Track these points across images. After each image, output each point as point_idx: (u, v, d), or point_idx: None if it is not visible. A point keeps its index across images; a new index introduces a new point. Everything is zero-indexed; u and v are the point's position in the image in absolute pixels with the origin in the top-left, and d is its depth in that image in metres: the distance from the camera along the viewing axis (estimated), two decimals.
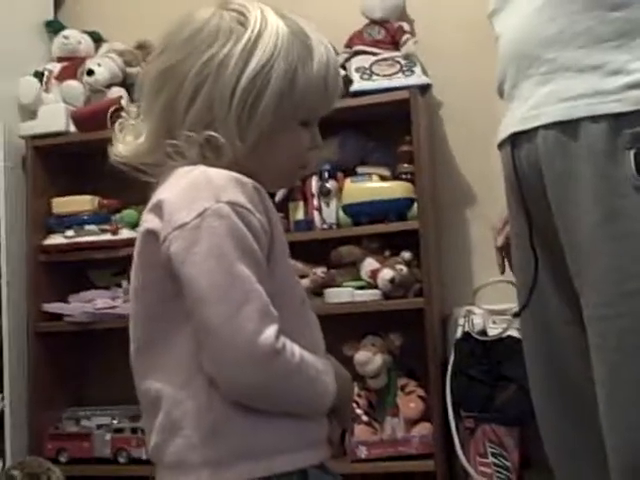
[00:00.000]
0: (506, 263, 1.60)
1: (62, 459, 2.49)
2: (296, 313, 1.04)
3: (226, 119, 1.00)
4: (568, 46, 1.25)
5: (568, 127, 1.23)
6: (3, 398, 2.53)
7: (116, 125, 1.09)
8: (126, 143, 1.07)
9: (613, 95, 1.19)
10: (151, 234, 0.98)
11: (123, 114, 1.09)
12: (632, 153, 1.17)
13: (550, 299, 1.39)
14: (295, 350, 0.95)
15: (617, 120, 1.18)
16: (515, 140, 1.35)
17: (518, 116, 1.34)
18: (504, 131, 1.40)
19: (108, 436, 2.48)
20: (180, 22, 1.07)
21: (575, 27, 1.24)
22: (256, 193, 0.98)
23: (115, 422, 2.50)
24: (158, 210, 0.98)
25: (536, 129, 1.29)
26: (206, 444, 0.95)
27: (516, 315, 1.49)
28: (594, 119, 1.20)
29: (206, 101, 1.01)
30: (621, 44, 1.21)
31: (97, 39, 2.85)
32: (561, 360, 1.40)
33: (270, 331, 0.92)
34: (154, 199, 1.00)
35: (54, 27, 2.88)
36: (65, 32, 2.83)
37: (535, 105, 1.30)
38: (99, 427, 2.51)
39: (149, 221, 0.99)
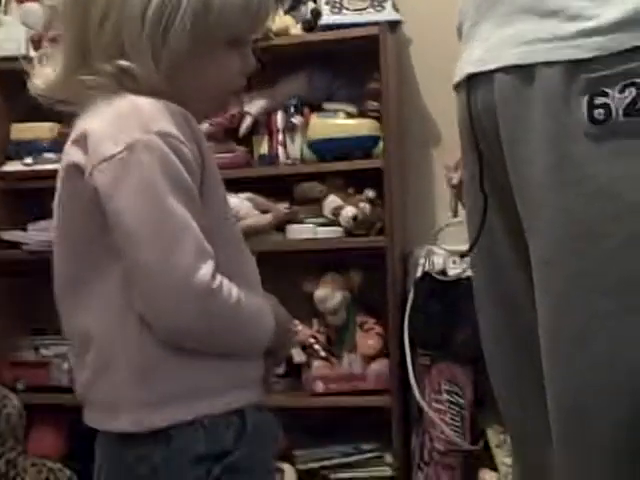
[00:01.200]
0: (459, 206, 1.61)
1: (19, 387, 2.49)
2: (235, 247, 1.02)
3: (138, 44, 0.94)
4: None
5: (524, 71, 1.21)
6: None
7: (35, 56, 1.03)
8: (43, 75, 1.01)
9: (570, 41, 1.17)
10: (75, 167, 0.93)
11: (45, 43, 1.05)
12: (585, 99, 1.16)
13: (500, 242, 1.40)
14: (232, 289, 0.93)
15: (573, 66, 1.16)
16: (471, 82, 1.34)
17: (475, 57, 1.32)
18: (460, 72, 1.38)
19: (66, 365, 2.47)
20: None
21: None
22: (186, 122, 0.94)
23: None
24: (82, 141, 0.93)
25: (492, 72, 1.27)
26: (137, 385, 0.93)
27: (463, 256, 1.51)
28: (550, 64, 1.18)
29: (115, 25, 0.95)
30: None
31: None
32: (511, 304, 1.41)
33: (206, 269, 0.90)
34: (77, 130, 0.95)
35: None
36: None
37: (492, 47, 1.28)
38: (57, 356, 2.51)
39: (72, 154, 0.94)
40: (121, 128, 0.91)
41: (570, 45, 1.18)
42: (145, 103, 0.93)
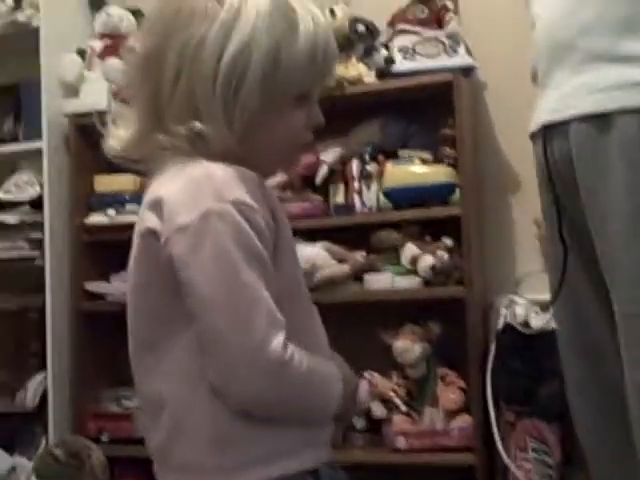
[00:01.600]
0: None
1: (103, 439, 2.52)
2: (303, 311, 1.03)
3: (210, 105, 0.96)
4: (603, 34, 1.21)
5: (600, 119, 1.21)
6: (46, 377, 2.57)
7: (109, 118, 1.05)
8: (117, 136, 1.04)
9: None
10: (151, 233, 0.94)
11: (119, 103, 1.07)
12: None
13: (582, 292, 1.38)
14: (303, 359, 0.94)
15: None
16: (547, 131, 1.32)
17: (550, 106, 1.31)
18: (535, 122, 1.37)
19: None
20: (160, 4, 1.02)
21: (611, 14, 1.20)
22: (259, 188, 0.95)
23: None
24: (157, 208, 0.94)
25: (568, 121, 1.25)
26: (210, 451, 0.95)
27: (546, 307, 1.48)
28: (626, 112, 1.17)
29: (187, 87, 0.96)
30: None
31: (140, 16, 2.82)
32: (595, 354, 1.38)
33: (278, 340, 0.90)
34: (153, 195, 0.96)
35: (97, 4, 2.86)
36: (108, 9, 2.81)
37: (567, 95, 1.27)
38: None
39: (148, 219, 0.95)
40: (195, 197, 0.92)
41: None
42: (218, 170, 0.94)
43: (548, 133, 1.33)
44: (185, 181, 0.94)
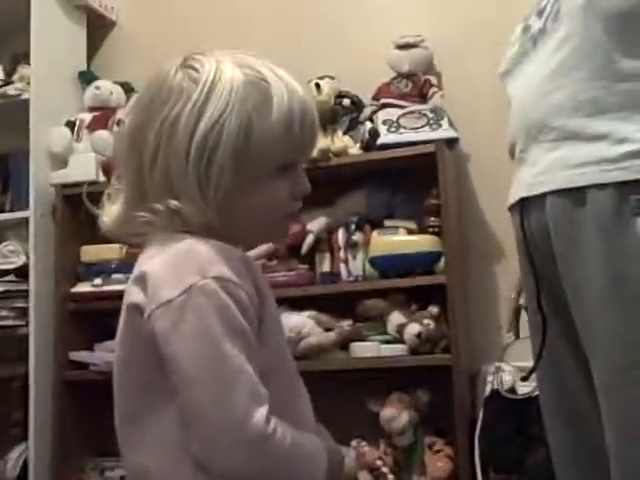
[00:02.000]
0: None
1: None
2: (288, 386, 1.02)
3: (184, 182, 0.96)
4: (574, 115, 1.27)
5: (575, 194, 1.25)
6: (28, 447, 2.53)
7: (105, 194, 1.05)
8: (109, 212, 1.04)
9: (618, 163, 1.21)
10: (135, 308, 0.94)
11: (113, 182, 1.07)
12: (638, 220, 1.18)
13: (563, 358, 1.39)
14: (286, 432, 0.92)
15: (623, 187, 1.19)
16: (524, 205, 1.37)
17: (526, 181, 1.37)
18: (513, 195, 1.42)
19: None
20: (147, 82, 1.04)
21: (581, 96, 1.27)
22: (243, 263, 0.95)
23: None
24: (142, 283, 0.94)
25: (544, 195, 1.31)
26: None
27: (524, 379, 1.49)
28: (600, 186, 1.21)
29: (164, 164, 0.97)
30: (626, 115, 1.22)
31: (128, 90, 2.89)
32: (580, 423, 1.39)
33: (259, 414, 0.89)
34: (137, 270, 0.96)
35: (86, 77, 2.93)
36: (97, 82, 2.87)
37: (542, 171, 1.32)
38: (122, 478, 2.49)
39: (133, 294, 0.95)
40: (179, 272, 0.92)
41: (618, 167, 1.21)
42: (201, 246, 0.94)
43: (525, 207, 1.38)
44: (169, 256, 0.94)
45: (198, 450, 0.91)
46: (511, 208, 1.45)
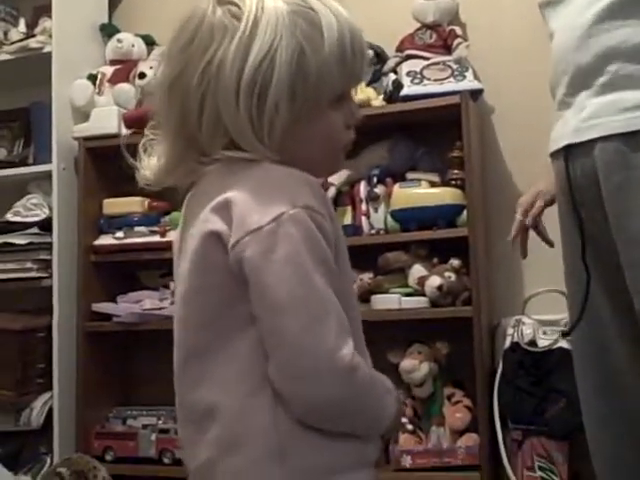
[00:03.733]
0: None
1: (108, 457, 2.51)
2: (358, 324, 1.00)
3: (236, 121, 0.92)
4: (631, 59, 1.20)
5: (629, 138, 1.18)
6: (52, 396, 2.56)
7: (140, 147, 1.03)
8: (149, 167, 1.02)
9: None
10: (214, 235, 0.91)
11: (147, 133, 1.03)
12: None
13: (604, 315, 1.33)
14: (366, 367, 0.92)
15: None
16: (569, 151, 1.30)
17: (572, 126, 1.29)
18: (556, 142, 1.34)
19: (153, 436, 2.49)
20: (179, 26, 0.98)
21: (634, 40, 1.19)
22: (320, 192, 0.94)
23: (160, 422, 2.51)
24: (224, 211, 0.91)
25: (592, 140, 1.23)
26: (270, 463, 0.90)
27: (565, 334, 1.43)
28: None
29: (214, 110, 0.94)
30: None
31: (150, 42, 2.87)
32: (616, 386, 1.33)
33: (348, 346, 0.89)
34: (218, 198, 0.92)
35: (108, 30, 2.92)
36: (119, 35, 2.86)
37: (591, 115, 1.24)
38: (145, 427, 2.53)
39: (213, 222, 0.92)
40: (267, 200, 0.90)
41: None
42: (287, 174, 0.93)
43: (570, 153, 1.30)
44: (253, 184, 0.92)
45: (280, 382, 0.89)
46: (553, 155, 1.38)
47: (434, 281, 2.25)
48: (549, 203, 1.53)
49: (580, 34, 1.26)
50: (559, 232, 1.48)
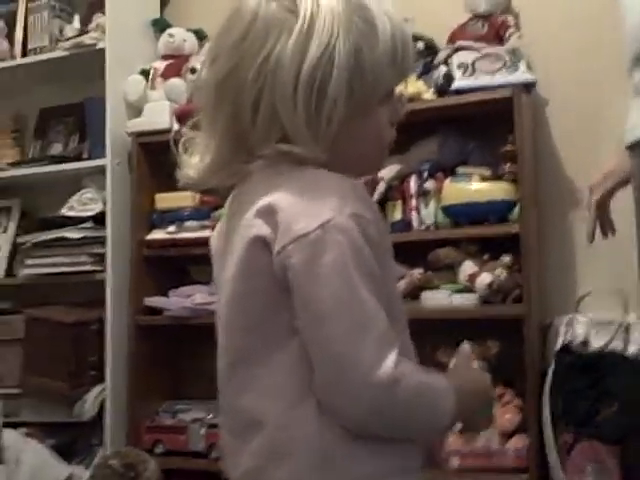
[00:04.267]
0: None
1: (158, 451, 2.54)
2: (403, 325, 0.99)
3: (293, 119, 0.91)
4: None
5: None
6: (104, 389, 2.60)
7: (180, 145, 1.01)
8: (193, 165, 1.00)
9: None
10: (260, 240, 0.90)
11: (184, 131, 1.02)
12: None
13: None
14: (414, 374, 0.90)
15: None
16: None
17: None
18: (633, 133, 1.25)
19: (203, 430, 2.50)
20: (228, 20, 0.97)
21: None
22: (367, 198, 0.94)
23: (210, 417, 2.51)
24: (269, 215, 0.90)
25: None
26: (317, 471, 0.90)
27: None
28: None
29: (269, 107, 0.92)
30: None
31: (202, 37, 2.87)
32: None
33: (390, 359, 0.87)
34: (262, 202, 0.91)
35: (160, 25, 2.93)
36: (170, 30, 2.87)
37: None
38: (194, 421, 2.54)
39: (257, 226, 0.91)
40: (313, 206, 0.89)
41: None
42: (334, 180, 0.92)
43: None
44: (299, 188, 0.91)
45: (323, 391, 0.89)
46: (631, 147, 1.28)
47: (485, 278, 2.20)
48: (621, 184, 1.45)
49: None
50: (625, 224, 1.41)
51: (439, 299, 2.28)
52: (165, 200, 2.74)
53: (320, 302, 0.87)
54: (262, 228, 0.91)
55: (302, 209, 0.89)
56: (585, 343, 2.09)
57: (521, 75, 2.26)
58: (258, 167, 0.96)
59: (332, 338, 0.87)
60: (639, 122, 1.25)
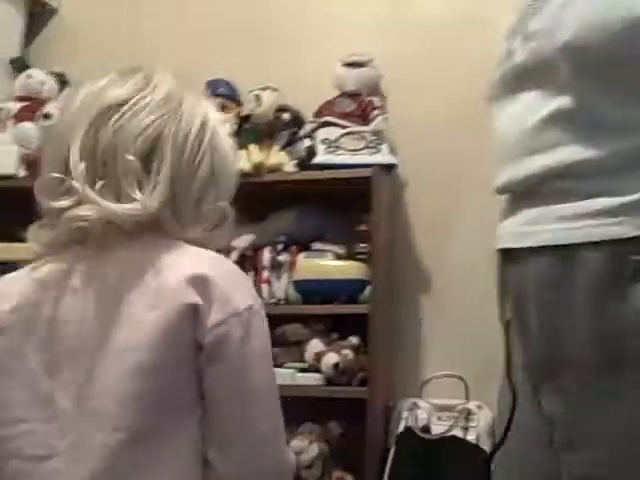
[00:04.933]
0: None
1: None
2: None
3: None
4: (564, 177, 1.09)
5: (562, 253, 1.06)
6: None
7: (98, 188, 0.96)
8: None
9: (615, 218, 1.03)
10: (191, 309, 0.90)
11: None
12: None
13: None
14: None
15: (620, 246, 1.01)
16: (504, 255, 1.20)
17: (510, 229, 1.18)
18: (498, 240, 1.22)
19: None
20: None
21: (570, 156, 1.08)
22: None
23: None
24: (202, 287, 0.90)
25: (527, 249, 1.12)
26: None
27: (492, 454, 1.29)
28: (595, 245, 1.03)
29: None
30: (623, 172, 1.05)
31: (63, 81, 2.75)
32: None
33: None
34: (187, 271, 0.91)
35: (18, 65, 2.78)
36: (29, 71, 2.73)
37: (528, 221, 1.14)
38: None
39: (190, 294, 0.90)
40: (241, 285, 0.95)
41: (615, 222, 1.03)
42: (230, 262, 1.01)
43: (507, 257, 1.19)
44: (223, 268, 0.95)
45: (235, 467, 0.91)
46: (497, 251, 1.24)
47: (331, 358, 2.17)
48: None
49: (516, 144, 1.16)
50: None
51: (284, 377, 2.21)
52: (5, 250, 2.56)
53: (253, 381, 0.91)
54: (195, 297, 0.90)
55: (234, 287, 0.93)
56: (426, 428, 2.08)
57: (382, 157, 2.28)
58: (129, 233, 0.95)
59: (260, 418, 0.91)
60: (499, 234, 1.23)
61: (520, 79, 1.17)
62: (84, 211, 0.93)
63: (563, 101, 1.09)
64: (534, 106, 1.14)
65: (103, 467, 0.89)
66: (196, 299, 0.90)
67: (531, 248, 1.12)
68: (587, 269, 1.03)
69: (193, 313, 0.90)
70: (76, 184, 0.93)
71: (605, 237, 1.02)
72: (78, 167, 0.94)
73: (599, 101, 1.06)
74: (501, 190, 1.23)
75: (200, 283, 0.91)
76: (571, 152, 1.08)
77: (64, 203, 0.94)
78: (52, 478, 0.91)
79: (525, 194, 1.16)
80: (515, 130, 1.17)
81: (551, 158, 1.10)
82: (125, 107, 0.96)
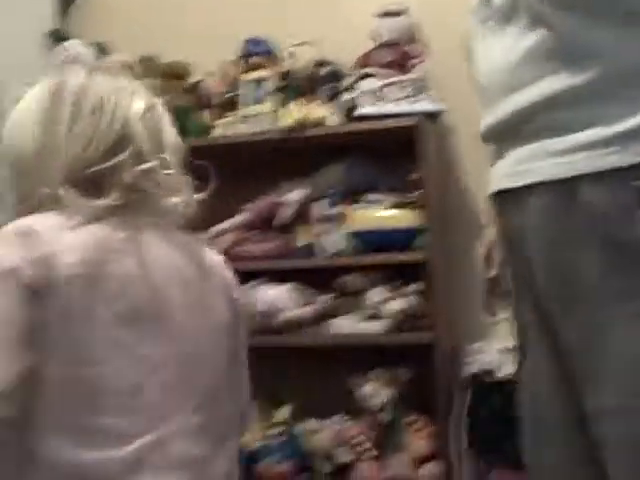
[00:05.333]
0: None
1: None
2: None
3: None
4: (553, 108, 1.09)
5: (562, 187, 1.06)
6: None
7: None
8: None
9: (613, 147, 1.03)
10: (233, 287, 1.15)
11: None
12: None
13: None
14: None
15: (620, 174, 1.02)
16: (500, 197, 1.20)
17: (503, 170, 1.18)
18: (491, 184, 1.23)
19: None
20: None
21: (557, 87, 1.08)
22: None
23: None
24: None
25: (523, 188, 1.12)
26: None
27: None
28: (596, 175, 1.03)
29: None
30: (611, 99, 1.04)
31: (103, 51, 2.75)
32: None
33: None
34: (212, 254, 1.13)
35: (56, 36, 2.78)
36: (67, 43, 2.73)
37: (521, 159, 1.13)
38: None
39: (227, 273, 1.14)
40: None
41: (614, 151, 1.03)
42: None
43: (501, 199, 1.20)
44: None
45: None
46: (490, 197, 1.26)
47: (393, 305, 2.22)
48: None
49: (500, 81, 1.17)
50: None
51: (347, 326, 2.27)
52: None
53: None
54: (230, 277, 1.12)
55: None
56: (494, 371, 2.13)
57: (425, 104, 2.28)
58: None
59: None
60: (491, 178, 1.24)
61: (499, 21, 1.17)
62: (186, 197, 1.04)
63: (539, 35, 1.09)
64: (511, 46, 1.13)
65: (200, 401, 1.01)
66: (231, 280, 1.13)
67: (529, 186, 1.11)
68: (590, 200, 1.03)
69: (233, 290, 1.13)
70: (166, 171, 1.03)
71: (605, 167, 1.02)
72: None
73: (577, 29, 1.06)
74: (486, 134, 1.23)
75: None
76: (557, 81, 1.07)
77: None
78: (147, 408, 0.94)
79: (511, 134, 1.15)
80: (496, 72, 1.17)
81: (535, 92, 1.10)
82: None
